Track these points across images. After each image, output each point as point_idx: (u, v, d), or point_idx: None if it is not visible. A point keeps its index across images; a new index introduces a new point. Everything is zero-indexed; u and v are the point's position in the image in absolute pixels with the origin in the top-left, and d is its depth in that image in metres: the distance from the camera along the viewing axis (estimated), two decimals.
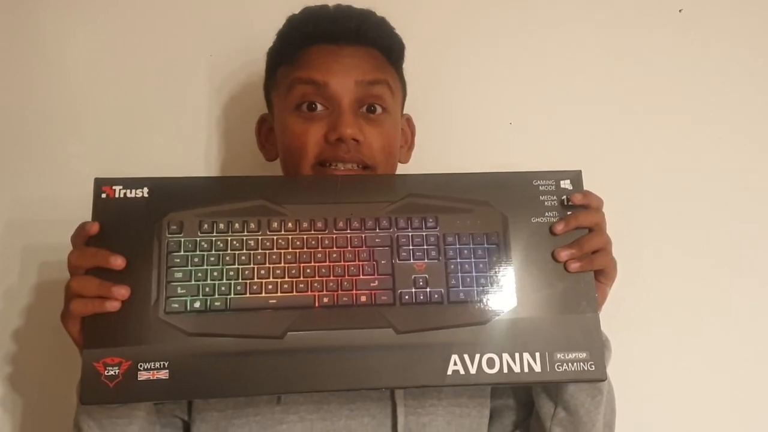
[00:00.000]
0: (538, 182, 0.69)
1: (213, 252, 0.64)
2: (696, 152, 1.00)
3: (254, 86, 0.90)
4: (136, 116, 0.95)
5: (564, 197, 0.69)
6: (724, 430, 0.94)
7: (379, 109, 0.75)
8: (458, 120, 0.99)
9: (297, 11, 0.79)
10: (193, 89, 0.96)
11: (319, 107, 0.73)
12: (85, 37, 0.96)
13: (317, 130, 0.73)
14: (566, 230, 0.67)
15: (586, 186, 0.70)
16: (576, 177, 0.70)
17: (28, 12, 0.95)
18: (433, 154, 0.90)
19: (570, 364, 0.64)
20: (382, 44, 0.78)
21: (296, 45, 0.76)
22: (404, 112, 0.84)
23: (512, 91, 1.00)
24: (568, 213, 0.68)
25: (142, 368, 0.61)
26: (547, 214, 0.68)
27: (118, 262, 0.62)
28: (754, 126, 1.02)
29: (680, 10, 1.02)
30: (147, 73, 0.96)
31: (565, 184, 0.70)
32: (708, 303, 0.96)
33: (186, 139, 0.95)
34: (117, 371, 0.60)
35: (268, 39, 0.80)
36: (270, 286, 0.64)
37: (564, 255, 0.67)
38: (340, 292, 0.64)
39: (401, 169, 0.81)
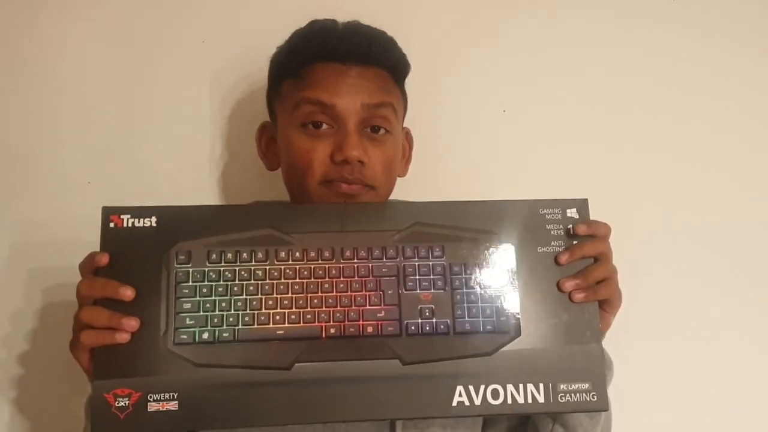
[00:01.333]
0: (545, 211, 0.69)
1: (221, 282, 0.65)
2: (692, 149, 1.00)
3: (258, 93, 0.89)
4: (141, 134, 0.94)
5: (570, 226, 0.69)
6: None
7: (382, 130, 0.76)
8: (450, 107, 0.98)
9: (302, 19, 0.78)
10: (195, 98, 0.96)
11: (325, 126, 0.74)
12: (89, 54, 0.95)
13: (323, 149, 0.73)
14: (571, 261, 0.68)
15: (592, 211, 0.70)
16: (582, 205, 0.70)
17: (29, 34, 0.95)
18: (426, 148, 0.90)
19: (573, 394, 0.65)
20: (389, 64, 0.78)
21: (303, 61, 0.76)
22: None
23: (506, 80, 1.00)
24: (574, 242, 0.68)
25: (151, 399, 0.62)
26: (553, 243, 0.68)
27: (127, 293, 0.63)
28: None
29: None
30: (150, 87, 0.95)
31: (572, 212, 0.70)
32: (720, 327, 0.97)
33: (188, 149, 0.95)
34: (127, 402, 0.61)
35: (272, 47, 0.80)
36: (278, 317, 0.64)
37: (569, 285, 0.67)
38: (346, 322, 0.65)
39: (399, 182, 0.81)
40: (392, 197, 0.80)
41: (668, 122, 1.00)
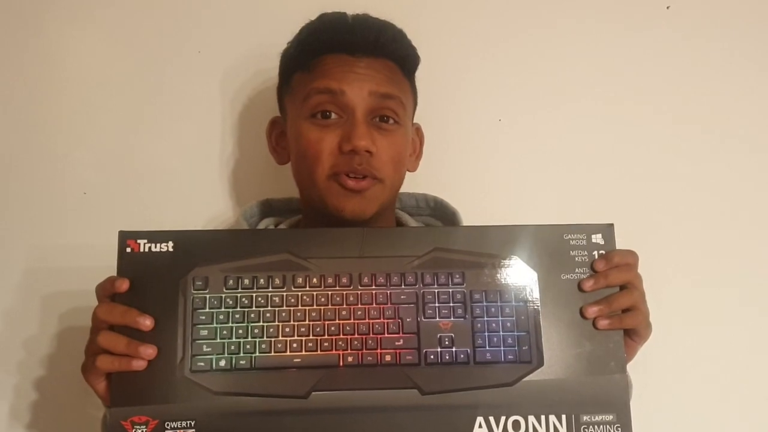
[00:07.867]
0: (569, 236, 0.67)
1: (238, 309, 0.64)
2: (689, 154, 0.98)
3: (268, 91, 0.89)
4: (152, 139, 0.94)
5: (595, 252, 0.67)
6: None
7: (391, 120, 0.76)
8: (447, 117, 0.97)
9: (312, 17, 0.78)
10: (205, 97, 0.95)
11: (333, 115, 0.74)
12: (102, 70, 0.96)
13: (332, 139, 0.73)
14: (595, 288, 0.66)
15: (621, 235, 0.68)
16: (607, 231, 0.68)
17: (45, 51, 0.95)
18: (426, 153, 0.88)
19: (596, 426, 0.64)
20: (397, 56, 0.78)
21: (313, 53, 0.77)
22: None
23: (502, 87, 0.99)
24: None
25: (168, 427, 0.61)
26: (577, 270, 0.67)
27: (147, 323, 0.62)
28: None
29: (668, 7, 1.00)
30: (158, 88, 0.95)
31: (597, 238, 0.68)
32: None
33: (199, 149, 0.95)
34: (144, 430, 0.61)
35: (282, 44, 0.80)
36: (295, 345, 0.63)
37: (592, 311, 0.65)
38: (364, 351, 0.64)
39: (409, 177, 0.81)
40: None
41: (666, 124, 0.99)
